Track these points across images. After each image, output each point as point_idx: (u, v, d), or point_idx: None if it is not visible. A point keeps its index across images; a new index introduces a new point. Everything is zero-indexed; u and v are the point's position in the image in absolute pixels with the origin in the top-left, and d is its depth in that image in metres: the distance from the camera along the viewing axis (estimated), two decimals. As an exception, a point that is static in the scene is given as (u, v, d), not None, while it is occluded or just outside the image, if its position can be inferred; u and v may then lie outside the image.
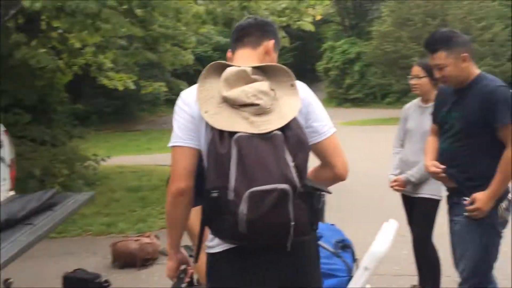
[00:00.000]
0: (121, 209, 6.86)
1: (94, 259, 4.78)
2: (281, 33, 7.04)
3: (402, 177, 3.25)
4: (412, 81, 3.30)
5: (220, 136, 1.53)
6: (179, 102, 1.68)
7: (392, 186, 3.30)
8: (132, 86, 9.56)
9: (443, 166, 2.52)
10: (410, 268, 3.61)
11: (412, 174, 3.19)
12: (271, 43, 1.76)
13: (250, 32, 1.76)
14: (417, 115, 3.29)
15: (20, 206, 3.00)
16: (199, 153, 1.64)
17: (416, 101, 3.39)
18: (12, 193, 3.73)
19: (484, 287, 2.50)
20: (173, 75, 17.06)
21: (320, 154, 1.71)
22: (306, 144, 1.60)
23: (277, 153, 1.52)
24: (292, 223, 1.49)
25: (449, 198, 2.63)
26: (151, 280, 4.15)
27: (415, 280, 3.47)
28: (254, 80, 1.59)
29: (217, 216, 1.51)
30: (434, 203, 3.18)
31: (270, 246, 1.56)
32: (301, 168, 1.55)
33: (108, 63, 9.24)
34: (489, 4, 25.50)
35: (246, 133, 1.52)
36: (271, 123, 1.56)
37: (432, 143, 2.70)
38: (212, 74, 1.63)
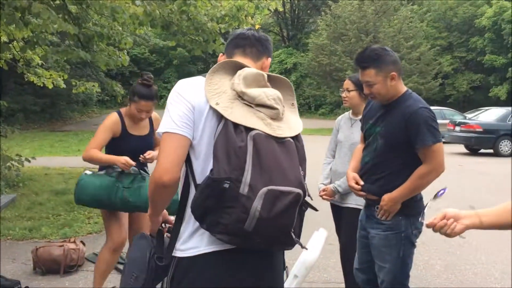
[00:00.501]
0: (45, 213, 6.53)
1: (13, 265, 4.51)
2: (220, 40, 7.04)
3: (331, 186, 3.35)
4: (343, 94, 3.42)
5: (234, 129, 1.50)
6: (178, 89, 1.63)
7: (321, 195, 3.38)
8: (62, 85, 9.19)
9: (362, 183, 2.65)
10: (338, 276, 3.70)
11: (339, 184, 3.29)
12: (268, 61, 1.80)
13: (253, 44, 1.76)
14: (347, 127, 3.41)
15: None
16: (189, 144, 1.58)
17: (348, 113, 3.51)
18: None
19: None
20: (107, 75, 16.61)
21: None
22: (305, 159, 1.64)
23: (291, 158, 1.54)
24: (292, 230, 1.51)
25: (366, 208, 2.74)
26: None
27: None
28: (268, 87, 1.62)
29: (221, 209, 1.45)
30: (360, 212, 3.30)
31: (259, 248, 1.54)
32: (304, 177, 1.59)
33: (37, 60, 8.82)
34: (417, 25, 27.08)
35: (263, 132, 1.52)
36: (284, 130, 1.58)
37: (358, 151, 2.82)
38: (222, 70, 1.63)
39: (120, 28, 7.82)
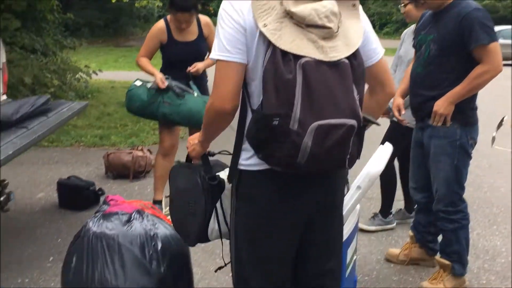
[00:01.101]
0: (113, 123, 6.85)
1: (87, 169, 4.83)
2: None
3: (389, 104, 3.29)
4: (401, 10, 3.38)
5: (283, 57, 1.37)
6: (226, 7, 1.49)
7: None
8: (126, -2, 9.23)
9: (403, 112, 2.76)
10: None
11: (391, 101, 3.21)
12: None
13: None
14: (409, 42, 3.27)
15: (14, 109, 2.96)
16: (245, 68, 1.48)
17: (413, 26, 3.35)
18: (4, 97, 3.67)
19: (457, 206, 2.65)
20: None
21: (373, 76, 1.62)
22: (365, 74, 1.51)
23: (345, 85, 1.41)
24: (348, 157, 1.46)
25: (420, 122, 2.73)
26: (144, 192, 4.23)
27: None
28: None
29: (272, 143, 1.40)
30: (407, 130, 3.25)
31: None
32: (362, 101, 1.48)
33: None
34: None
35: (314, 58, 1.38)
36: (339, 50, 1.42)
37: (408, 72, 2.79)
38: None
39: None
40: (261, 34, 1.42)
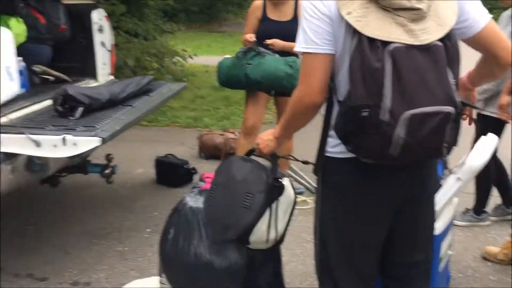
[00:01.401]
0: (206, 105, 7.08)
1: (181, 148, 5.06)
2: None
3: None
4: None
5: (370, 45, 1.32)
6: None
7: None
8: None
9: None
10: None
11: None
12: None
13: None
14: (503, 25, 3.03)
15: (120, 88, 3.16)
16: (333, 59, 1.44)
17: (509, 10, 3.11)
18: (111, 77, 3.92)
19: None
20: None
21: (481, 46, 1.51)
22: (460, 55, 1.41)
23: (438, 69, 1.33)
24: (445, 145, 1.39)
25: None
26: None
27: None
28: None
29: (361, 135, 1.36)
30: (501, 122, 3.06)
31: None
32: (458, 84, 1.40)
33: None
34: None
35: (403, 43, 1.31)
36: (430, 33, 1.34)
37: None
38: None
39: None
40: (346, 22, 1.37)
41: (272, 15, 3.49)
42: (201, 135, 4.86)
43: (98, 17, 3.78)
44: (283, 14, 3.48)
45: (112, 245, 3.07)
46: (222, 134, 4.80)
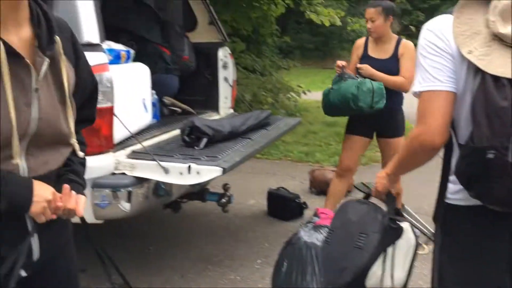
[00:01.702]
0: (318, 141, 7.12)
1: (293, 182, 5.11)
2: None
3: None
4: None
5: (494, 84, 1.27)
6: (429, 36, 1.41)
7: None
8: (338, 23, 9.51)
9: None
10: None
11: None
12: None
13: None
14: None
15: (241, 122, 3.31)
16: (455, 97, 1.38)
17: None
18: (231, 110, 4.13)
19: None
20: (379, 13, 16.44)
21: None
22: None
23: None
24: None
25: None
26: (345, 210, 4.28)
27: None
28: None
29: (487, 180, 1.29)
30: None
31: None
32: None
33: (319, -3, 9.30)
34: None
35: None
36: None
37: None
38: (472, 3, 1.36)
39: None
40: (468, 60, 1.32)
41: (373, 52, 3.54)
42: (313, 170, 4.88)
43: (223, 54, 4.03)
44: (383, 52, 3.50)
45: (225, 272, 3.16)
46: (333, 170, 4.76)
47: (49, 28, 1.20)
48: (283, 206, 4.09)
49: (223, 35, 4.09)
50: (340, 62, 3.49)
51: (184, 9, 4.08)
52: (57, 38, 1.21)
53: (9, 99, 1.10)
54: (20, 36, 1.17)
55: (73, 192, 1.25)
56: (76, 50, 1.32)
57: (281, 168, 5.76)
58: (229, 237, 3.70)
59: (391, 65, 3.46)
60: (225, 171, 2.52)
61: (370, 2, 3.56)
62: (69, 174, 1.32)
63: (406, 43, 3.49)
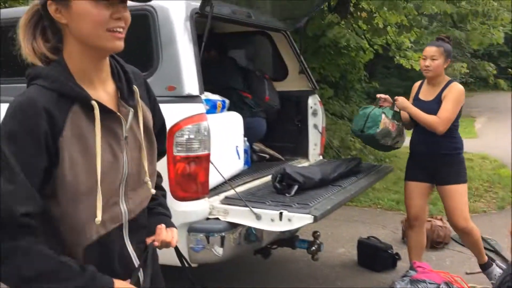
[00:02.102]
0: (410, 188, 6.84)
1: (383, 231, 4.94)
2: None
3: None
4: None
5: None
6: None
7: None
8: (430, 66, 9.33)
9: None
10: None
11: None
12: None
13: None
14: None
15: (331, 169, 3.30)
16: None
17: None
18: (321, 157, 4.13)
19: None
20: (472, 55, 15.85)
21: None
22: None
23: None
24: None
25: None
26: (441, 264, 4.05)
27: None
28: None
29: None
30: None
31: None
32: None
33: (407, 42, 9.21)
34: None
35: None
36: None
37: None
38: None
39: (495, 4, 7.31)
40: None
41: (422, 95, 3.45)
42: (405, 219, 4.68)
43: (313, 102, 4.09)
44: (430, 94, 3.39)
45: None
46: (429, 221, 4.54)
47: (128, 80, 1.32)
48: (374, 256, 3.95)
49: (313, 83, 4.17)
50: (380, 95, 3.60)
51: (276, 60, 4.22)
52: (135, 87, 1.33)
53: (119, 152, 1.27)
54: (107, 91, 1.28)
55: (163, 226, 1.40)
56: (148, 92, 1.44)
57: (371, 216, 5.59)
58: (318, 286, 3.63)
59: (432, 107, 3.32)
60: (316, 219, 2.51)
61: (431, 42, 3.57)
62: (157, 208, 1.46)
63: (453, 85, 3.33)
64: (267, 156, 3.93)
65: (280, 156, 3.95)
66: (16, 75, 2.24)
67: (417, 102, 3.42)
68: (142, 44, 2.81)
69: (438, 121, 3.23)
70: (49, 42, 1.23)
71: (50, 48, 1.22)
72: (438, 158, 3.32)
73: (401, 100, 3.40)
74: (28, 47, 1.21)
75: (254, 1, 3.59)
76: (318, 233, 3.41)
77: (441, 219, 4.59)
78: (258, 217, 2.57)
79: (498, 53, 24.01)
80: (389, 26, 8.84)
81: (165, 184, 2.62)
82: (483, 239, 3.83)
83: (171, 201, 2.63)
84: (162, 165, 2.64)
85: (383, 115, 3.42)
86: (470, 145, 7.86)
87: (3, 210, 1.09)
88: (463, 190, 3.34)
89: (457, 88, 3.30)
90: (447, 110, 3.23)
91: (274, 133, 4.09)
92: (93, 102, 1.20)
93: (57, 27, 1.22)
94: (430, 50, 3.33)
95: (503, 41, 7.95)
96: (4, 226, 1.10)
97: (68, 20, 1.19)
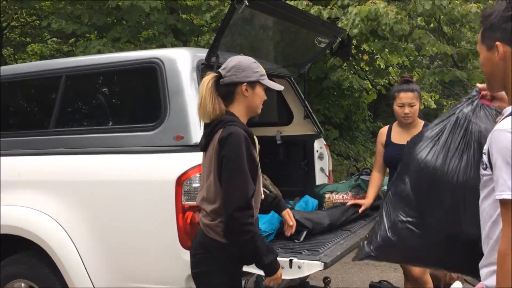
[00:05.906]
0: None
1: (395, 274, 4.86)
2: None
3: None
4: None
5: None
6: None
7: None
8: (433, 105, 9.41)
9: None
10: None
11: None
12: None
13: None
14: None
15: (340, 213, 3.29)
16: None
17: None
18: (328, 200, 4.12)
19: None
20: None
21: None
22: None
23: None
24: None
25: None
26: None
27: None
28: None
29: None
30: None
31: None
32: None
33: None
34: None
35: None
36: None
37: None
38: None
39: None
40: None
41: (396, 138, 3.35)
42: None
43: (319, 145, 4.12)
44: (406, 138, 3.18)
45: None
46: (440, 262, 4.48)
47: None
48: (386, 301, 3.88)
49: (318, 127, 4.21)
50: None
51: (281, 105, 4.29)
52: None
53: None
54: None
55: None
56: None
57: (381, 259, 5.51)
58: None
59: None
60: (326, 265, 2.49)
61: (403, 86, 3.28)
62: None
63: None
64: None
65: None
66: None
67: (392, 147, 3.32)
68: (150, 95, 2.87)
69: None
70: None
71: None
72: None
73: None
74: (214, 106, 2.14)
75: (258, 50, 3.68)
76: (329, 279, 3.37)
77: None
78: (267, 265, 2.54)
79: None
80: (390, 67, 9.00)
81: (173, 233, 2.64)
82: None
83: (178, 250, 2.63)
84: (170, 214, 2.67)
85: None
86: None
87: (244, 196, 2.04)
88: None
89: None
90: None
91: (281, 177, 4.10)
92: (255, 136, 2.19)
93: (229, 94, 2.21)
94: (407, 96, 3.22)
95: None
96: (245, 208, 2.05)
97: (250, 95, 2.20)
